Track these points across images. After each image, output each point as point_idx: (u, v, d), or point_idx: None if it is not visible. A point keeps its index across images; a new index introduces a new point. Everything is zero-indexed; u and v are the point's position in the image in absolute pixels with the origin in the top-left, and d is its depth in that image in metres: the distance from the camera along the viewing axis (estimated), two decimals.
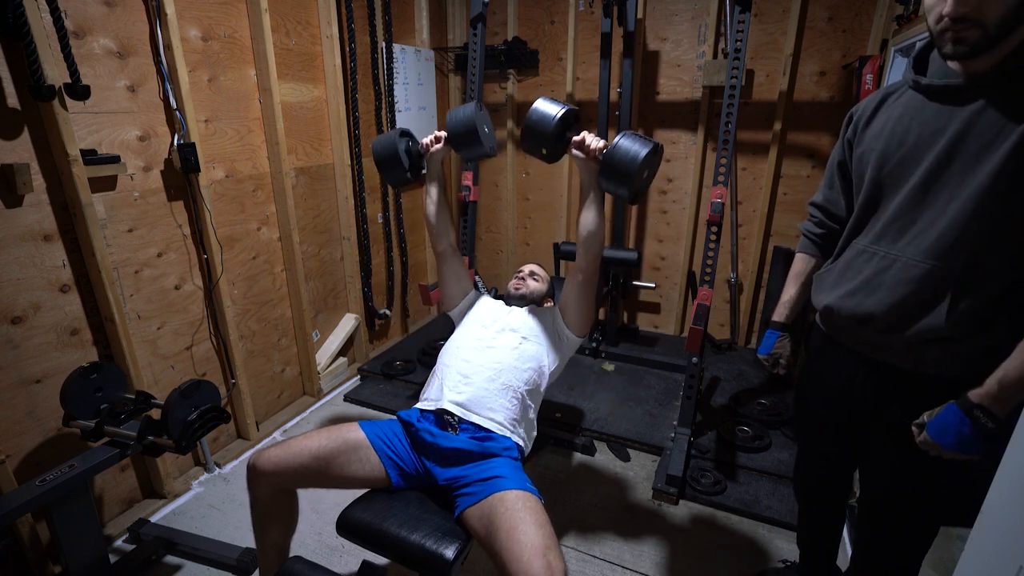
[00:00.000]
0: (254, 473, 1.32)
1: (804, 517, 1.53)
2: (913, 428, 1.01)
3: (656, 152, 1.33)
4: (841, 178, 1.22)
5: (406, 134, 1.61)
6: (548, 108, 1.40)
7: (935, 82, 0.97)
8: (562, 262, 2.99)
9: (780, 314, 1.40)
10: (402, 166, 1.56)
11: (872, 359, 1.12)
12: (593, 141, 1.39)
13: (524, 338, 1.57)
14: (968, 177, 0.92)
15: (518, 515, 1.14)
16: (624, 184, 1.33)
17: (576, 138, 1.41)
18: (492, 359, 1.49)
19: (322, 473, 1.33)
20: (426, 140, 1.62)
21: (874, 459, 1.20)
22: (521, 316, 1.66)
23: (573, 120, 1.44)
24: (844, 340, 1.17)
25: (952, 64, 0.96)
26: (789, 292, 1.38)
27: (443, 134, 1.59)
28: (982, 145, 0.90)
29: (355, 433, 1.39)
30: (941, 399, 0.98)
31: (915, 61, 1.05)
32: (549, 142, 1.40)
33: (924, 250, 0.98)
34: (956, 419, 0.93)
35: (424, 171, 1.65)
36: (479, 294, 1.79)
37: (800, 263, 1.37)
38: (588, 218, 1.46)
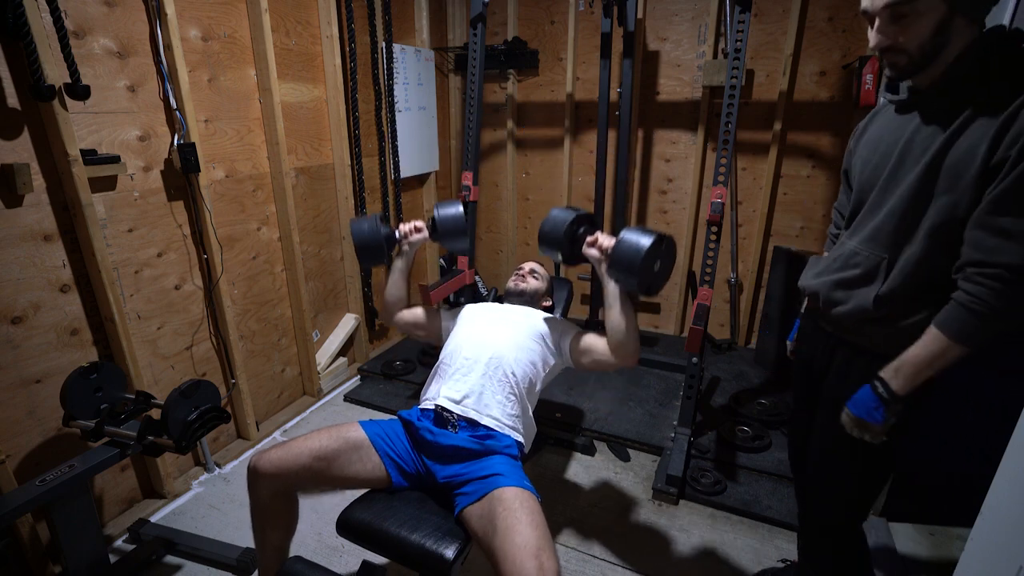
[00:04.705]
0: (254, 475, 1.31)
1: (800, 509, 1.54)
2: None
3: (662, 242, 1.33)
4: (846, 183, 1.32)
5: (384, 220, 1.63)
6: (560, 214, 1.50)
7: (895, 97, 1.13)
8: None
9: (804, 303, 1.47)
10: (384, 254, 1.59)
11: (841, 339, 1.20)
12: (605, 240, 1.43)
13: (523, 336, 1.57)
14: (908, 177, 1.04)
15: (514, 515, 1.15)
16: (631, 275, 1.32)
17: (590, 238, 1.46)
18: (489, 354, 1.49)
19: (323, 474, 1.32)
20: (405, 228, 1.63)
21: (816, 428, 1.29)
22: (521, 314, 1.66)
23: (586, 222, 1.51)
24: (819, 321, 1.27)
25: (906, 81, 1.09)
26: None
27: (422, 224, 1.63)
28: (920, 150, 1.02)
29: (356, 432, 1.39)
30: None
31: (888, 79, 1.15)
32: (563, 245, 1.47)
33: (864, 238, 1.12)
34: (865, 391, 1.07)
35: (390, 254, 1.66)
36: (460, 309, 1.76)
37: None
38: (612, 320, 1.45)
